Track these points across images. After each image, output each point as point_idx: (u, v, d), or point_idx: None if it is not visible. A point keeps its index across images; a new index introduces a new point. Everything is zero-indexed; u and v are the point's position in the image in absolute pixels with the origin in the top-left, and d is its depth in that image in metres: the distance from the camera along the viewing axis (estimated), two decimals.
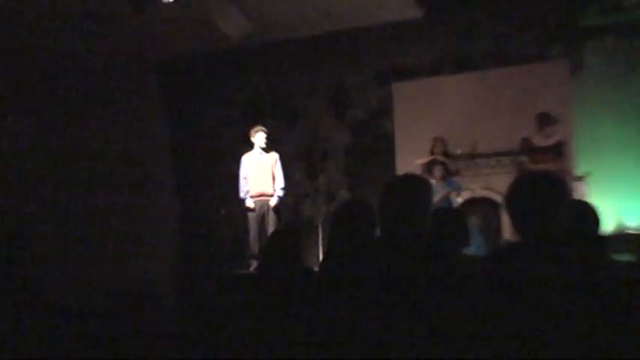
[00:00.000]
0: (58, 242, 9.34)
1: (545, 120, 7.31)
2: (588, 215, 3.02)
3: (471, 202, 8.36)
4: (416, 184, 2.72)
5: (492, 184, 8.38)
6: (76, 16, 8.12)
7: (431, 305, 2.32)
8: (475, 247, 7.05)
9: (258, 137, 7.93)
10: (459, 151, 8.34)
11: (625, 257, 4.06)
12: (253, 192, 7.86)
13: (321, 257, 7.81)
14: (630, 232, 7.97)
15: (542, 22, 8.63)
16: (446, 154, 8.03)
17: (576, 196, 7.19)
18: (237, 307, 3.68)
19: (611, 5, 8.13)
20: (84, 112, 10.22)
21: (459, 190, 7.91)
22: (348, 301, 2.52)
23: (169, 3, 6.83)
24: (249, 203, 7.88)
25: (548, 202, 2.25)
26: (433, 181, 7.42)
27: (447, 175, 7.90)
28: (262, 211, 7.85)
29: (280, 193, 7.93)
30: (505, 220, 7.59)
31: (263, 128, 8.01)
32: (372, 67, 9.44)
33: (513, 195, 2.35)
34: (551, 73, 8.53)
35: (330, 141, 9.61)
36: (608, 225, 7.66)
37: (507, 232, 7.76)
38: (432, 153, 8.03)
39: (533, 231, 2.27)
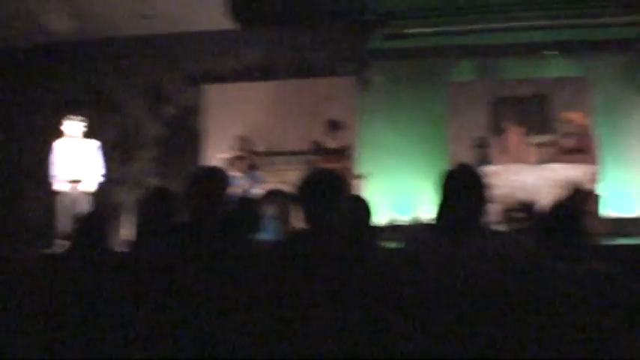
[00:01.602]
0: None
1: (333, 125, 7.57)
2: (361, 208, 3.16)
3: (269, 194, 8.48)
4: (215, 176, 2.78)
5: (287, 178, 8.53)
6: None
7: (226, 277, 2.42)
8: (271, 233, 7.19)
9: (73, 126, 7.42)
10: (260, 149, 8.45)
11: (394, 244, 4.31)
12: (67, 176, 7.36)
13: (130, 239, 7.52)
14: (400, 223, 8.53)
15: (337, 43, 9.00)
16: (248, 150, 8.07)
17: (355, 192, 7.58)
18: (43, 286, 3.45)
19: (394, 33, 8.64)
20: None
21: (259, 182, 7.98)
22: (151, 279, 2.52)
23: None
24: (60, 186, 7.36)
25: (330, 195, 2.35)
26: (237, 174, 7.43)
27: (249, 169, 7.95)
28: (74, 195, 7.39)
29: (98, 178, 7.51)
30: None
31: (78, 117, 7.52)
32: (186, 70, 9.29)
33: (302, 189, 2.42)
34: (341, 86, 8.91)
35: (144, 133, 9.32)
36: (382, 217, 8.16)
37: (298, 221, 7.96)
38: (237, 149, 8.04)
39: (318, 219, 2.35)
